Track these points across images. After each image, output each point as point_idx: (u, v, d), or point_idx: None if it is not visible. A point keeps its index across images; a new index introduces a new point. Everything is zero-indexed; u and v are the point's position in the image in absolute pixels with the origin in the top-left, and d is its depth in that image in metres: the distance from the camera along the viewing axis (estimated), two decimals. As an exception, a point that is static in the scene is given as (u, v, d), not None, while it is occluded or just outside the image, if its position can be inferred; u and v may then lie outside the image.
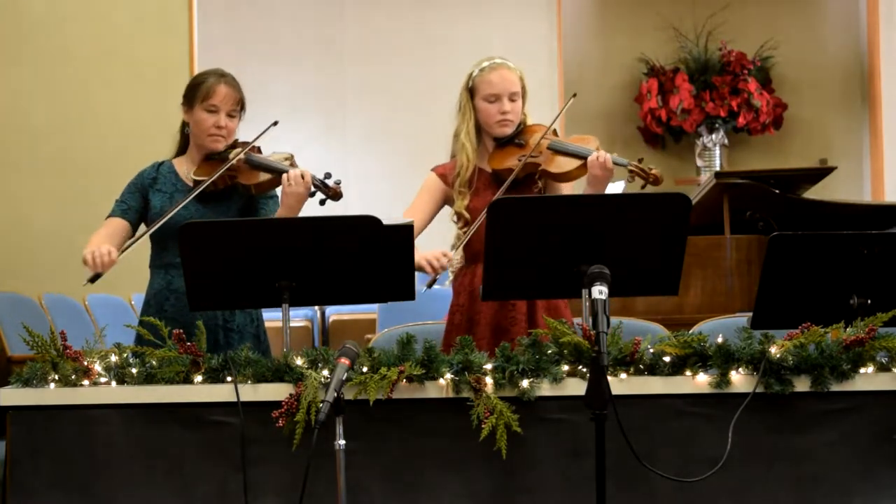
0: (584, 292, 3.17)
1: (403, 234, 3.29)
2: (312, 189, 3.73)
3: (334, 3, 9.92)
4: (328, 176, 3.75)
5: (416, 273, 3.43)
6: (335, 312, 7.76)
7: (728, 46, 10.21)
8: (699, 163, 10.18)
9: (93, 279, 3.61)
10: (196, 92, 3.85)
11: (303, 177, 3.69)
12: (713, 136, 10.13)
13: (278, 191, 3.90)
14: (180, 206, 3.73)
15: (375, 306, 6.57)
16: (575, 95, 4.13)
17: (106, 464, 3.13)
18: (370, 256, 3.25)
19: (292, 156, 3.86)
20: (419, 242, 3.66)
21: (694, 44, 10.23)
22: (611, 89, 10.16)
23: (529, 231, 3.24)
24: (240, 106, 3.88)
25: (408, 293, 3.36)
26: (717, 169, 9.80)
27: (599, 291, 2.91)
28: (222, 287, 3.31)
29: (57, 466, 3.13)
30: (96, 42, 7.59)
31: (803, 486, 3.13)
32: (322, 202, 3.78)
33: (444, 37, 9.84)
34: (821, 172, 6.40)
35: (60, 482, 3.12)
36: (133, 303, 6.73)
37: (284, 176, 3.71)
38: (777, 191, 5.87)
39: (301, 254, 3.22)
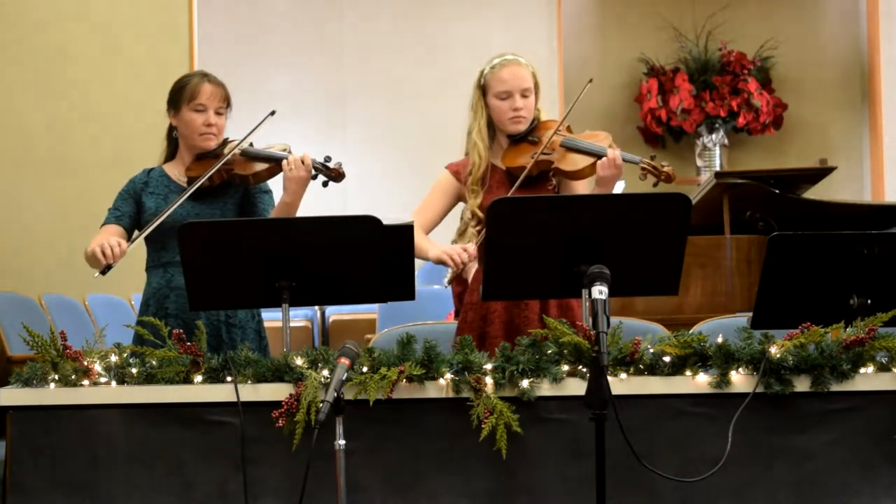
0: (584, 292, 3.17)
1: (403, 234, 3.29)
2: (314, 172, 3.76)
3: (334, 3, 9.92)
4: (328, 159, 3.79)
5: (418, 271, 3.43)
6: (335, 312, 7.75)
7: (728, 46, 10.21)
8: (699, 163, 10.17)
9: (104, 271, 3.62)
10: (181, 94, 3.87)
11: (303, 161, 3.72)
12: (713, 136, 10.12)
13: (273, 185, 3.92)
14: (180, 200, 3.74)
15: (375, 306, 6.57)
16: (591, 81, 4.08)
17: (106, 464, 3.13)
18: (370, 256, 3.25)
19: (288, 146, 3.86)
20: (432, 239, 3.64)
21: (694, 44, 10.23)
22: (611, 89, 10.15)
23: (529, 231, 3.23)
24: (226, 103, 3.90)
25: (408, 293, 3.36)
26: (717, 169, 9.80)
27: (599, 291, 2.90)
28: (222, 287, 3.31)
29: (57, 466, 3.13)
30: (96, 42, 7.58)
31: (803, 486, 3.12)
32: (325, 184, 3.82)
33: (444, 36, 9.84)
34: (821, 172, 6.39)
35: (60, 482, 3.12)
36: (133, 303, 6.73)
37: (284, 161, 3.73)
38: (777, 191, 5.87)
39: (301, 254, 3.22)
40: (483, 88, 3.94)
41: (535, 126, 3.95)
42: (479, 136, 3.93)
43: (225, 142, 3.89)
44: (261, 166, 3.82)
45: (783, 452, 3.13)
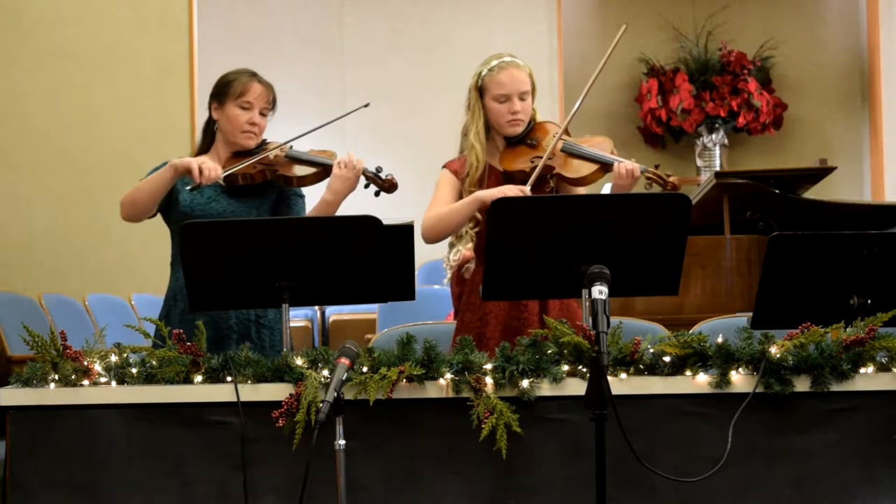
0: (584, 292, 3.17)
1: (403, 234, 3.29)
2: (365, 181, 3.79)
3: (334, 3, 9.92)
4: (380, 169, 3.82)
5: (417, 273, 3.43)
6: (335, 312, 7.76)
7: (728, 46, 10.21)
8: (699, 163, 10.17)
9: (195, 188, 3.66)
10: (229, 89, 3.86)
11: (355, 164, 3.74)
12: (713, 136, 10.12)
13: (306, 190, 3.91)
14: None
15: (375, 306, 6.58)
16: (626, 26, 4.03)
17: (106, 464, 3.13)
18: (370, 256, 3.25)
19: (335, 153, 3.86)
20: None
21: (694, 44, 10.22)
22: (611, 89, 10.14)
23: (529, 231, 3.23)
24: (271, 105, 3.90)
25: (408, 293, 3.36)
26: (717, 169, 9.79)
27: (599, 291, 2.91)
28: (222, 287, 3.31)
29: (57, 466, 3.12)
30: (96, 42, 7.59)
31: (803, 486, 3.12)
32: (377, 194, 3.85)
33: (444, 36, 9.84)
34: (821, 172, 6.39)
35: (60, 482, 3.12)
36: (133, 303, 6.73)
37: (336, 160, 3.75)
38: (777, 191, 5.87)
39: (301, 254, 3.22)
40: (480, 90, 3.93)
41: (532, 128, 3.95)
42: (476, 138, 3.91)
43: (263, 142, 3.88)
44: (307, 170, 3.81)
45: (783, 452, 3.13)
